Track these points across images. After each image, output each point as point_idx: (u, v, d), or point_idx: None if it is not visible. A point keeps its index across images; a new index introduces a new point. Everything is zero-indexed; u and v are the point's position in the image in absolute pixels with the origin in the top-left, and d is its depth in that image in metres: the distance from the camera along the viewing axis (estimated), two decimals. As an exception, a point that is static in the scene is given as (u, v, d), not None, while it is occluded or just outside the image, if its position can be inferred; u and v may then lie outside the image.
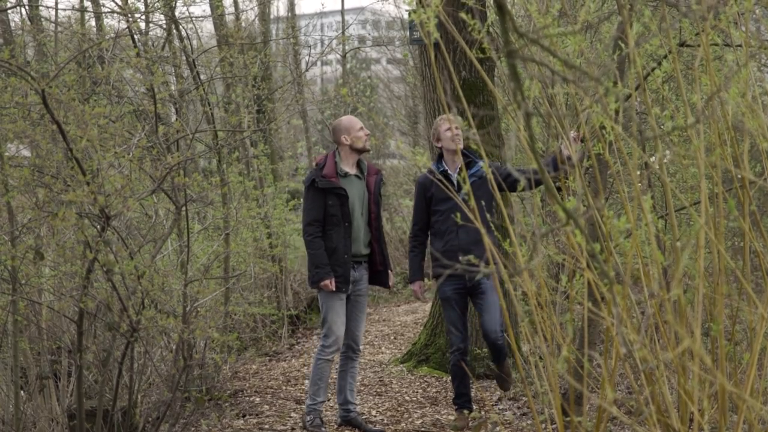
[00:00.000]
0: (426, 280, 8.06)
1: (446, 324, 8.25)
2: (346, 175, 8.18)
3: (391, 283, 8.56)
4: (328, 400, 9.06)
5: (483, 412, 8.35)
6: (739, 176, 4.89)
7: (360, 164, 8.30)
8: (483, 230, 5.08)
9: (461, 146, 7.95)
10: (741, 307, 5.11)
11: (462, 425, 8.09)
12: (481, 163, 7.75)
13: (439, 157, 8.13)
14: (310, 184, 8.14)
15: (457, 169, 7.96)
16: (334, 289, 8.00)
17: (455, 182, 7.96)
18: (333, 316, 8.13)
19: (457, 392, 8.24)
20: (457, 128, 7.81)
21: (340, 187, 8.07)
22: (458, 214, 7.06)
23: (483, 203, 7.00)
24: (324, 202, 8.05)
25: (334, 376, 9.13)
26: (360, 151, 8.24)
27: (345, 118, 8.39)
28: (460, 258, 6.84)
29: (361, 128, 8.22)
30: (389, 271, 8.47)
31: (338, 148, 8.27)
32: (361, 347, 8.47)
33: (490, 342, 7.95)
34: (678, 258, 5.11)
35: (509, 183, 7.65)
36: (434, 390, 9.88)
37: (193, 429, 7.96)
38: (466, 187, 4.90)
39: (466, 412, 8.19)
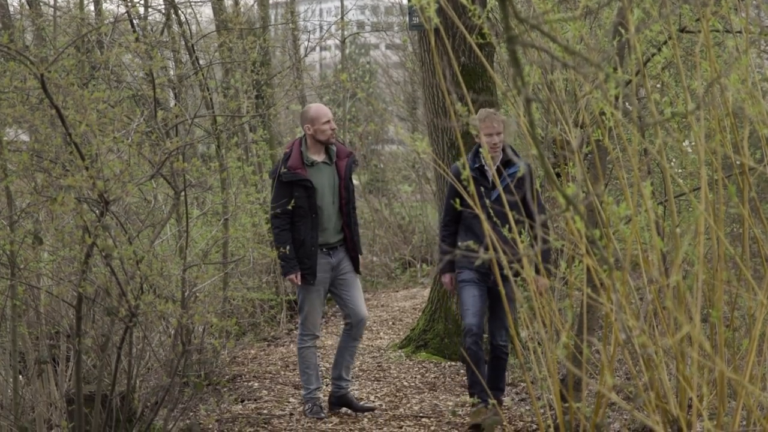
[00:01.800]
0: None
1: (461, 307, 7.98)
2: (313, 164, 7.94)
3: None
4: (326, 386, 8.91)
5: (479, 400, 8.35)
6: (739, 162, 4.90)
7: (329, 150, 8.03)
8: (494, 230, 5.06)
9: (498, 155, 7.56)
10: (740, 294, 5.11)
11: (483, 419, 7.70)
12: (519, 164, 7.36)
13: (477, 150, 7.65)
14: (277, 176, 7.95)
15: (495, 166, 7.43)
16: (299, 283, 7.93)
17: (490, 179, 7.51)
18: (308, 306, 8.07)
19: (470, 381, 7.81)
20: (500, 134, 7.51)
21: (307, 179, 7.84)
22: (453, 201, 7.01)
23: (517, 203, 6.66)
24: (291, 193, 7.81)
25: (325, 366, 9.11)
26: (324, 143, 7.98)
27: (313, 107, 8.16)
28: (460, 246, 6.84)
29: (327, 121, 7.91)
30: (359, 256, 8.29)
31: (305, 134, 8.06)
32: (366, 321, 8.32)
33: (493, 346, 7.81)
34: (677, 244, 5.11)
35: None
36: (432, 375, 9.89)
37: (191, 414, 7.97)
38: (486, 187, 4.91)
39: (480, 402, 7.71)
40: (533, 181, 7.39)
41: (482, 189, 7.20)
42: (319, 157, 7.97)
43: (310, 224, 7.87)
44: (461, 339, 8.11)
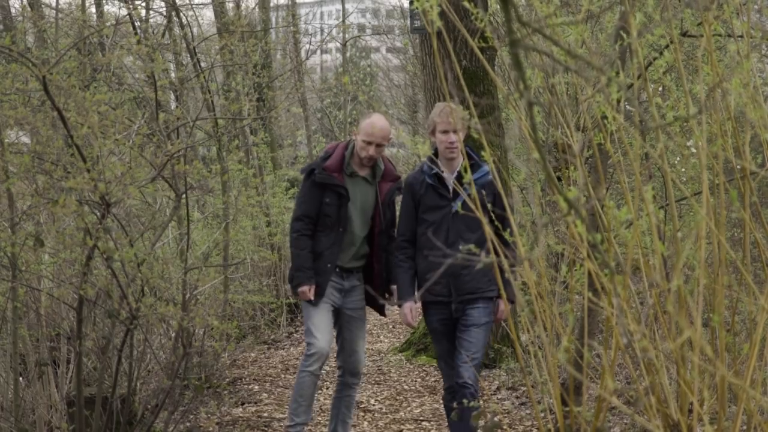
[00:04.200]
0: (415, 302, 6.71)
1: (437, 358, 6.93)
2: (352, 174, 6.84)
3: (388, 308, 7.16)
4: (313, 423, 8.17)
5: (482, 402, 8.35)
6: (741, 167, 4.90)
7: (375, 166, 6.90)
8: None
9: (457, 156, 6.46)
10: (741, 298, 5.11)
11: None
12: (486, 168, 6.22)
13: (436, 153, 6.52)
14: (308, 174, 6.88)
15: (455, 173, 6.43)
16: (311, 298, 6.77)
17: (450, 188, 6.43)
18: (314, 321, 6.84)
19: None
20: (455, 133, 6.34)
21: (342, 186, 6.77)
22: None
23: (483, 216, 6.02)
24: (320, 198, 6.77)
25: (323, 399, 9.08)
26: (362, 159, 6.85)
27: (369, 120, 6.88)
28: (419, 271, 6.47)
29: (372, 144, 6.74)
30: (388, 295, 7.10)
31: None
32: (361, 372, 7.17)
33: (458, 389, 6.54)
34: (679, 248, 5.12)
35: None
36: (433, 379, 9.90)
37: (192, 417, 7.98)
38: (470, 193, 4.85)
39: None
40: (500, 192, 5.72)
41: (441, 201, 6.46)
42: (361, 171, 6.87)
43: (333, 238, 6.82)
44: (442, 392, 7.03)
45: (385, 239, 6.94)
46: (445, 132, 6.37)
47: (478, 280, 6.39)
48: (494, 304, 6.56)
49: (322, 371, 7.31)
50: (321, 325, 6.82)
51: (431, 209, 6.47)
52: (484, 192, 5.64)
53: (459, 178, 6.25)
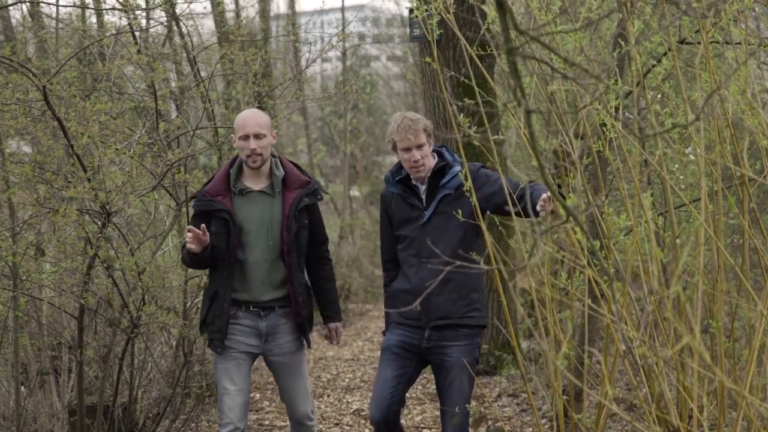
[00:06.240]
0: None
1: (375, 379, 5.90)
2: (243, 191, 5.70)
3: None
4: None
5: (483, 408, 8.35)
6: (739, 173, 4.91)
7: (273, 175, 5.75)
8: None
9: (426, 172, 5.65)
10: (740, 304, 5.12)
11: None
12: (457, 169, 5.61)
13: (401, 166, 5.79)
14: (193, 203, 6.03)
15: (426, 180, 5.68)
16: (198, 232, 5.47)
17: (423, 197, 5.69)
18: (222, 382, 5.78)
19: None
20: (422, 147, 5.57)
21: (224, 209, 5.62)
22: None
23: (457, 226, 5.54)
24: (207, 228, 5.58)
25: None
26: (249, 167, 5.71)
27: (242, 113, 5.85)
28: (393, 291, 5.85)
29: (248, 137, 5.60)
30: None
31: None
32: (309, 419, 6.02)
33: None
34: (678, 255, 5.13)
35: (494, 204, 5.49)
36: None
37: (193, 425, 7.98)
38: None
39: None
40: (498, 181, 5.49)
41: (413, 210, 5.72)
42: (255, 185, 5.73)
43: (226, 272, 5.67)
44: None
45: (297, 258, 5.76)
46: (407, 150, 5.57)
47: (453, 303, 5.61)
48: (478, 334, 5.78)
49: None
50: (231, 386, 5.79)
51: (403, 222, 5.73)
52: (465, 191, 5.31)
53: (431, 183, 5.65)
